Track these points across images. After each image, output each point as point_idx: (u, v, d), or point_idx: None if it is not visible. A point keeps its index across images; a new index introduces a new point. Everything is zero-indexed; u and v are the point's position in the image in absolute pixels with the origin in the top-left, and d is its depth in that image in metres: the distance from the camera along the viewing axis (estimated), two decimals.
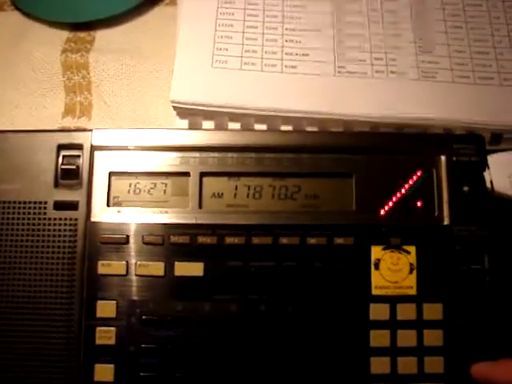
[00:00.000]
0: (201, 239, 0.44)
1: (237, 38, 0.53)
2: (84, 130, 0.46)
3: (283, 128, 0.51)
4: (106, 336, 0.43)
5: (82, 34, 0.59)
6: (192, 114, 0.51)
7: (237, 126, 0.51)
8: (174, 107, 0.50)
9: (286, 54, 0.52)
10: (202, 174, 0.45)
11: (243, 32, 0.53)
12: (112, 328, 0.43)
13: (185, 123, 0.51)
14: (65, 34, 0.59)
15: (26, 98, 0.56)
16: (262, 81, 0.51)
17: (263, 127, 0.51)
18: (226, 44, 0.52)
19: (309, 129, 0.51)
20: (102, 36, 0.59)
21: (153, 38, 0.59)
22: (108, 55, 0.58)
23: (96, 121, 0.56)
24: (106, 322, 0.43)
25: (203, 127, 0.51)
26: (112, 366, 0.43)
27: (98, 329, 0.43)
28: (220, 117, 0.51)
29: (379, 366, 0.43)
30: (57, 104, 0.56)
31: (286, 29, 0.54)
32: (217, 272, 0.43)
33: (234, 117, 0.51)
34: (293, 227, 0.44)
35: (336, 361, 0.43)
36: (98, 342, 0.43)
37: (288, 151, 0.45)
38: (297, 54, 0.52)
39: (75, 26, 0.59)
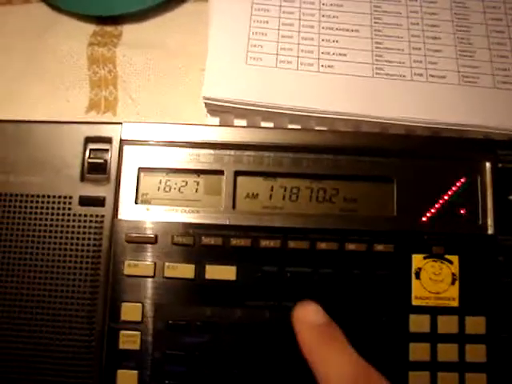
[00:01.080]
0: (234, 241, 0.41)
1: (272, 35, 0.51)
2: (113, 122, 0.44)
3: (317, 129, 0.49)
4: (130, 340, 0.41)
5: (109, 28, 0.57)
6: (224, 112, 0.49)
7: (270, 125, 0.49)
8: (205, 104, 0.48)
9: (323, 53, 0.50)
10: (237, 173, 0.43)
11: (278, 29, 0.51)
12: (137, 332, 0.41)
13: (215, 121, 0.49)
14: (91, 28, 0.58)
15: (50, 91, 0.55)
16: (298, 80, 0.49)
17: (297, 127, 0.49)
18: (260, 41, 0.50)
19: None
20: (129, 30, 0.57)
21: (181, 34, 0.57)
22: (135, 50, 0.56)
23: (121, 117, 0.54)
24: (130, 325, 0.41)
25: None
26: (135, 372, 0.40)
27: (122, 332, 0.41)
28: (253, 115, 0.49)
29: (418, 381, 0.41)
30: (81, 98, 0.55)
31: (323, 27, 0.52)
32: (250, 277, 0.41)
33: (267, 116, 0.49)
34: (331, 232, 0.42)
35: None
36: (122, 346, 0.41)
37: (327, 152, 0.43)
38: (334, 54, 0.50)
39: (102, 20, 0.58)
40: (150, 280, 0.41)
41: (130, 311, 0.41)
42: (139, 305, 0.41)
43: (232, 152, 0.43)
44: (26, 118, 0.50)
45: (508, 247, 0.42)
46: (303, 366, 0.40)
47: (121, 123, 0.44)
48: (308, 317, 0.38)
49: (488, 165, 0.43)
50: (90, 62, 0.56)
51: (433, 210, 0.43)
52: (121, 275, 0.41)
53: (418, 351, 0.41)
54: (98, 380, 0.40)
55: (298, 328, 0.38)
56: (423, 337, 0.41)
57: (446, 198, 0.43)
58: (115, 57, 0.56)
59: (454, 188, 0.43)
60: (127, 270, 0.41)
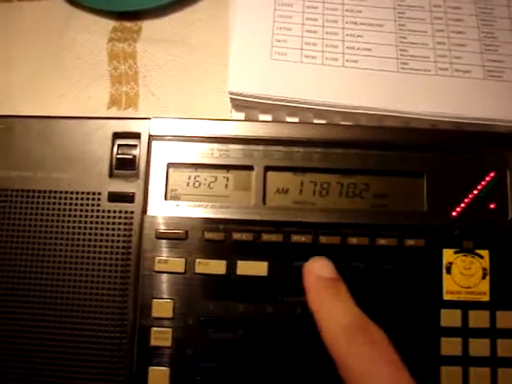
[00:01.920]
0: (265, 237, 0.41)
1: (296, 29, 0.51)
2: (142, 118, 0.43)
3: (345, 124, 0.49)
4: (161, 337, 0.40)
5: (129, 24, 0.57)
6: (249, 107, 0.48)
7: (295, 120, 0.49)
8: (231, 99, 0.48)
9: (348, 48, 0.50)
10: (267, 169, 0.43)
11: (302, 24, 0.51)
12: (168, 329, 0.41)
13: (241, 116, 0.49)
14: (111, 23, 0.57)
15: (70, 88, 0.54)
16: (323, 75, 0.49)
17: (322, 122, 0.49)
18: (285, 36, 0.50)
19: None
20: (149, 26, 0.57)
21: (202, 29, 0.56)
22: (156, 45, 0.56)
23: (143, 113, 0.53)
24: (161, 322, 0.41)
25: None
26: (167, 369, 0.40)
27: (153, 329, 0.41)
28: (278, 111, 0.48)
29: (450, 376, 0.41)
30: (102, 94, 0.54)
31: (347, 22, 0.52)
32: (282, 272, 0.41)
33: (292, 111, 0.48)
34: (362, 226, 0.42)
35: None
36: (153, 343, 0.40)
37: (356, 147, 0.43)
38: (358, 49, 0.50)
39: (121, 16, 0.57)
40: (180, 276, 0.41)
41: (161, 308, 0.41)
42: (170, 301, 0.41)
43: (261, 147, 0.43)
44: (48, 114, 0.49)
45: None
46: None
47: (149, 118, 0.43)
48: (316, 269, 0.39)
49: None
50: (111, 58, 0.55)
51: (463, 205, 0.43)
52: (151, 271, 0.41)
53: (450, 346, 0.41)
54: (130, 377, 0.40)
55: (305, 278, 0.39)
56: (455, 331, 0.41)
57: (475, 192, 0.43)
58: (136, 52, 0.55)
59: (483, 182, 0.43)
60: (158, 267, 0.41)
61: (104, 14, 0.57)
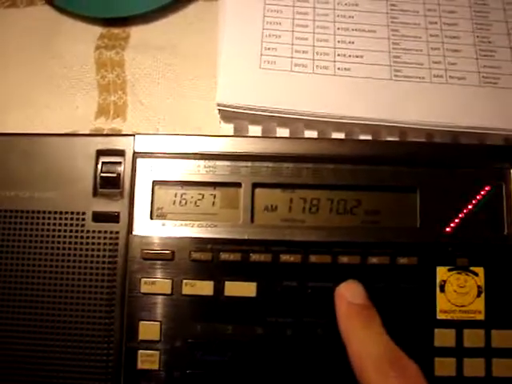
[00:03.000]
0: (253, 256, 0.40)
1: (286, 37, 0.49)
2: (126, 134, 0.43)
3: (334, 135, 0.48)
4: (148, 360, 0.40)
5: (117, 31, 0.55)
6: (238, 118, 0.47)
7: (285, 131, 0.48)
8: (219, 110, 0.46)
9: (339, 55, 0.49)
10: (255, 185, 0.41)
11: (292, 31, 0.50)
12: (155, 352, 0.40)
13: (229, 128, 0.48)
14: (98, 30, 0.56)
15: (57, 97, 0.53)
16: (314, 84, 0.48)
17: (313, 133, 0.48)
18: (274, 44, 0.49)
19: (361, 136, 0.48)
20: (137, 32, 0.56)
21: (191, 35, 0.55)
22: (144, 53, 0.54)
23: (131, 122, 0.52)
24: (149, 344, 0.40)
25: (249, 132, 0.48)
26: None
27: (141, 352, 0.40)
28: (268, 121, 0.47)
29: None
30: (90, 104, 0.53)
31: (338, 28, 0.50)
32: (271, 293, 0.40)
33: (282, 122, 0.47)
34: (353, 245, 0.41)
35: None
36: (141, 366, 0.40)
37: (347, 162, 0.42)
38: (350, 56, 0.49)
39: (109, 22, 0.56)
40: (167, 298, 0.40)
41: (147, 330, 0.40)
42: (157, 323, 0.40)
43: (249, 163, 0.42)
44: (35, 126, 0.49)
45: None
46: (327, 381, 0.39)
47: (133, 135, 0.42)
48: (348, 294, 0.39)
49: None
50: (98, 66, 0.54)
51: (457, 221, 0.42)
52: (137, 293, 0.40)
53: (444, 366, 0.40)
54: None
55: (337, 303, 0.39)
56: (449, 351, 0.40)
57: (470, 207, 0.42)
58: (124, 60, 0.54)
59: (478, 197, 0.42)
60: (144, 288, 0.40)
61: (91, 20, 0.56)
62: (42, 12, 0.57)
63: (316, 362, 0.40)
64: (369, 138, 0.48)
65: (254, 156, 0.42)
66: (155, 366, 0.40)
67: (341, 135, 0.48)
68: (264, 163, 0.42)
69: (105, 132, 0.51)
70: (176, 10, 0.56)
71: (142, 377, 0.40)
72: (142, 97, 0.53)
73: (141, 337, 0.40)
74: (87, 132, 0.51)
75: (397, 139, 0.47)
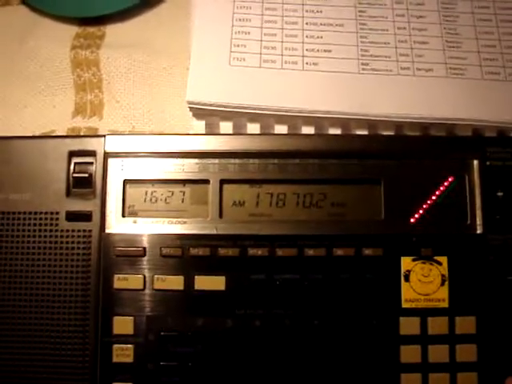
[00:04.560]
0: (222, 251, 0.41)
1: (255, 33, 0.50)
2: (96, 135, 0.44)
3: (304, 129, 0.48)
4: (123, 354, 0.41)
5: (92, 29, 0.56)
6: (209, 115, 0.48)
7: (256, 126, 0.48)
8: (190, 108, 0.47)
9: (307, 50, 0.50)
10: (222, 182, 0.43)
11: (261, 27, 0.50)
12: (129, 345, 0.41)
13: (201, 124, 0.49)
14: (74, 30, 0.57)
15: (34, 97, 0.54)
16: (283, 79, 0.48)
17: (284, 128, 0.48)
18: (243, 40, 0.50)
19: (331, 130, 0.49)
20: (112, 31, 0.56)
21: (166, 32, 0.56)
22: (119, 51, 0.55)
23: (108, 120, 0.53)
24: (123, 338, 0.41)
25: (221, 128, 0.49)
26: None
27: (115, 346, 0.41)
28: (239, 118, 0.48)
29: (410, 382, 0.41)
30: (67, 103, 0.54)
31: (307, 23, 0.51)
32: (239, 286, 0.41)
33: (253, 117, 0.48)
34: (319, 238, 0.42)
35: (365, 378, 0.41)
36: (116, 359, 0.41)
37: (313, 156, 0.43)
38: (318, 51, 0.50)
39: (84, 21, 0.57)
40: (140, 293, 0.41)
41: (122, 325, 0.41)
42: (131, 318, 0.41)
43: (217, 160, 0.43)
44: (13, 126, 0.50)
45: (497, 246, 0.42)
46: (296, 372, 0.41)
47: (104, 136, 0.43)
48: None
49: (476, 163, 0.43)
50: (74, 66, 0.55)
51: (421, 211, 0.43)
52: (111, 289, 0.42)
53: (409, 353, 0.41)
54: None
55: None
56: (414, 339, 0.41)
57: (433, 198, 0.43)
58: (99, 59, 0.55)
59: (441, 188, 0.43)
60: (117, 284, 0.41)
61: (66, 20, 0.57)
62: (17, 12, 0.57)
63: (284, 352, 0.41)
64: (338, 131, 0.48)
65: (222, 153, 0.43)
66: (130, 359, 0.41)
67: (311, 129, 0.48)
68: (231, 160, 0.43)
69: (82, 130, 0.52)
70: (150, 8, 0.57)
71: (118, 370, 0.41)
72: (117, 95, 0.54)
73: (115, 331, 0.41)
74: (64, 131, 0.52)
75: (366, 132, 0.48)
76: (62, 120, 0.53)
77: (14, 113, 0.54)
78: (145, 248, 0.42)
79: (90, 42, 0.56)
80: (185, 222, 0.42)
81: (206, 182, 0.43)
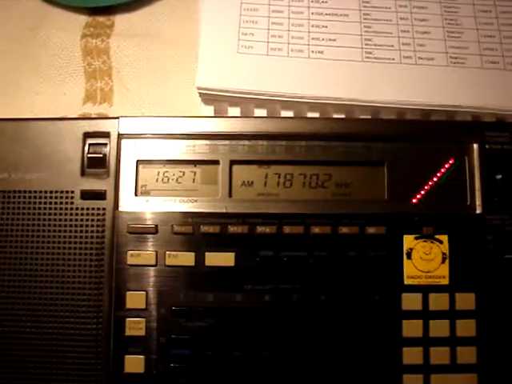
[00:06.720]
0: (231, 229, 0.43)
1: (262, 22, 0.52)
2: (110, 117, 0.45)
3: (309, 114, 0.50)
4: (135, 327, 0.42)
5: (102, 19, 0.58)
6: (217, 101, 0.50)
7: (263, 112, 0.50)
8: (199, 93, 0.49)
9: (313, 39, 0.51)
10: (232, 162, 0.44)
11: (269, 16, 0.52)
12: (142, 319, 0.43)
13: (210, 110, 0.50)
14: (84, 19, 0.58)
15: (45, 85, 0.55)
16: (289, 66, 0.50)
17: (289, 114, 0.50)
18: (251, 29, 0.51)
19: (335, 115, 0.50)
20: (121, 20, 0.58)
21: (174, 22, 0.58)
22: (129, 40, 0.57)
23: (117, 107, 0.55)
24: (135, 312, 0.43)
25: (229, 114, 0.50)
26: (142, 357, 0.42)
27: (128, 320, 0.43)
28: (246, 103, 0.50)
29: (411, 356, 0.43)
30: (77, 90, 0.55)
31: (312, 13, 0.53)
32: (248, 262, 0.43)
33: (260, 103, 0.50)
34: (324, 216, 0.43)
35: (368, 351, 0.42)
36: (128, 333, 0.42)
37: (319, 139, 0.45)
38: (323, 40, 0.51)
39: (94, 11, 0.58)
40: (152, 269, 0.43)
41: (134, 299, 0.43)
42: (143, 293, 0.43)
43: (227, 142, 0.44)
44: (24, 113, 0.51)
45: (495, 226, 0.44)
46: (302, 345, 0.42)
47: (118, 118, 0.45)
48: None
49: (475, 146, 0.45)
50: (85, 54, 0.56)
51: (422, 192, 0.44)
52: (124, 265, 0.43)
53: (411, 328, 0.43)
54: (107, 366, 0.42)
55: None
56: (415, 314, 0.43)
57: (435, 179, 0.44)
58: (109, 48, 0.56)
59: (442, 170, 0.44)
60: (130, 260, 0.43)
61: (76, 10, 0.58)
62: (28, 2, 0.59)
63: (291, 327, 0.42)
64: (342, 117, 0.50)
65: (232, 135, 0.44)
66: (142, 333, 0.42)
67: (315, 115, 0.50)
68: (240, 142, 0.44)
69: (92, 116, 0.53)
70: None
71: (130, 342, 0.42)
72: (127, 82, 0.55)
73: (128, 306, 0.43)
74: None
75: (369, 117, 0.50)
76: (72, 107, 0.55)
77: (25, 100, 0.55)
78: (157, 225, 0.43)
79: (99, 31, 0.57)
80: (195, 201, 0.44)
81: (216, 162, 0.44)
